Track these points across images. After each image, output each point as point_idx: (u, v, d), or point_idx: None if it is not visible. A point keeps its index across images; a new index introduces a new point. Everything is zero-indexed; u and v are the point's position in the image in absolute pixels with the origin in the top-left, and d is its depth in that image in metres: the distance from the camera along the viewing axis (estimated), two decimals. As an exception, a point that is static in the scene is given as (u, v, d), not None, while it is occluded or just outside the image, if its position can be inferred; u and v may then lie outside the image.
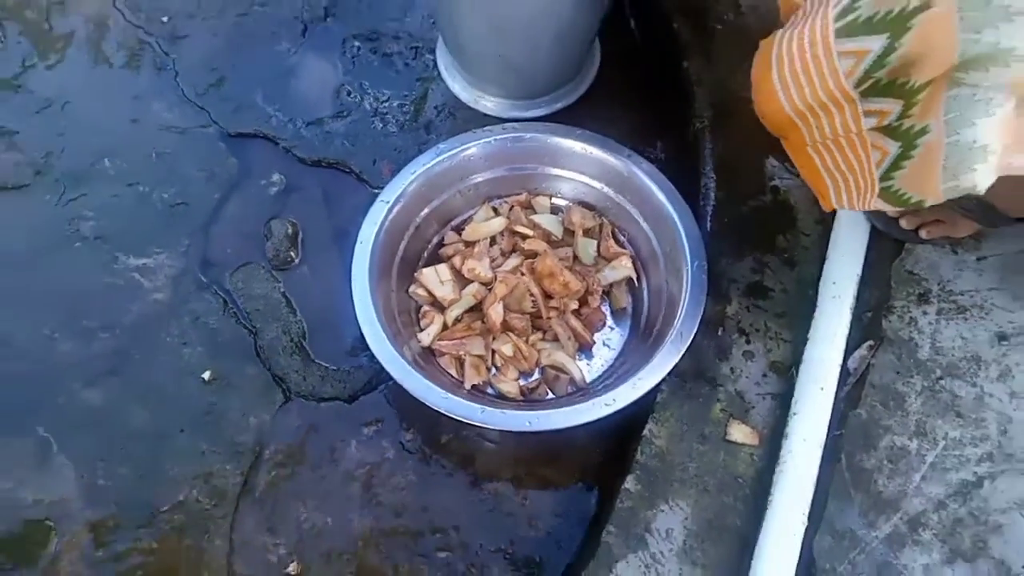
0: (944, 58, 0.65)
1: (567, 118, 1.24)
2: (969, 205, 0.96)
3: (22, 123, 1.29)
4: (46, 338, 1.13)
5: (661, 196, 1.09)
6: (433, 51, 1.36)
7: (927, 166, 0.72)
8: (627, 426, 1.01)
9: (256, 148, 1.28)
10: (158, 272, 1.18)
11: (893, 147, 0.74)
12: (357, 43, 1.38)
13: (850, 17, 0.69)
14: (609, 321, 1.14)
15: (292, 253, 1.20)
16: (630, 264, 1.14)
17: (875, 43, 0.68)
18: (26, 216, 1.22)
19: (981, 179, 0.69)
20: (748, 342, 1.03)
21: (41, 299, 1.15)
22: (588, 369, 1.11)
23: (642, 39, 1.39)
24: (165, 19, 1.40)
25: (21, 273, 1.17)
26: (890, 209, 0.81)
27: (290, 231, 1.21)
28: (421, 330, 1.10)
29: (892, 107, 0.71)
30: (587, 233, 1.16)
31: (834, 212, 1.07)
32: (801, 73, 0.74)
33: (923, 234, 1.02)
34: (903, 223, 1.03)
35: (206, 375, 1.11)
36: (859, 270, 1.03)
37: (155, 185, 1.24)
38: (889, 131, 0.73)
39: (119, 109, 1.31)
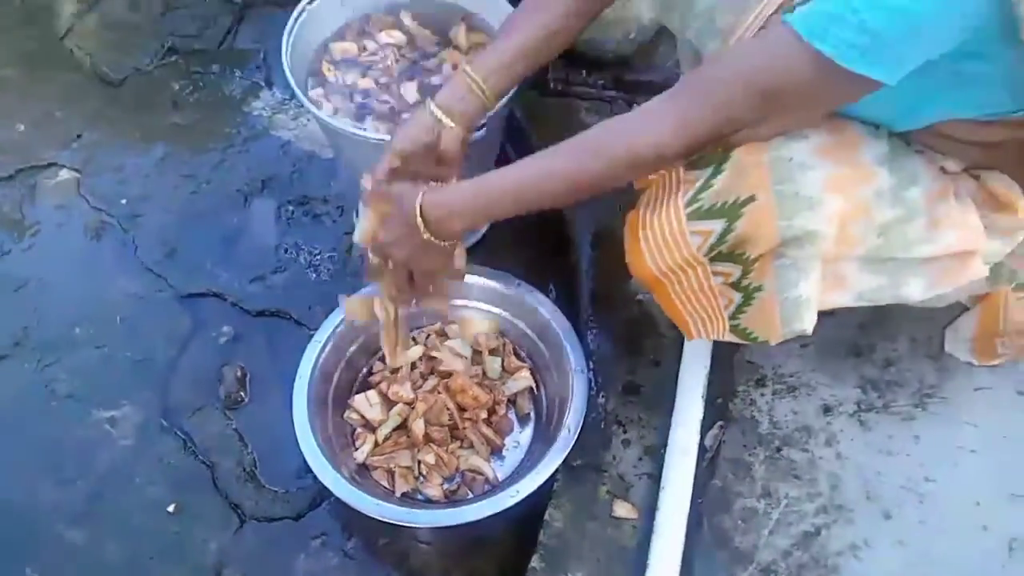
0: (769, 238, 0.88)
1: (469, 258, 1.48)
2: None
3: (4, 301, 1.49)
4: (30, 488, 1.30)
5: (548, 316, 1.33)
6: (355, 209, 1.61)
7: (765, 313, 0.95)
8: (533, 513, 1.20)
9: (207, 305, 1.50)
10: (125, 422, 1.37)
11: (737, 297, 0.97)
12: (291, 207, 1.63)
13: (695, 206, 0.91)
14: (516, 426, 1.35)
15: (242, 393, 1.40)
16: (529, 375, 1.36)
17: (717, 225, 0.90)
18: (8, 382, 1.41)
19: (808, 324, 0.93)
20: (625, 432, 1.24)
21: (25, 453, 1.33)
22: (501, 469, 1.30)
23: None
24: (124, 201, 1.63)
25: (6, 432, 1.35)
26: (740, 341, 1.04)
27: (239, 374, 1.41)
28: (356, 449, 1.29)
29: (734, 270, 0.94)
30: (492, 352, 1.38)
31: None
32: (663, 245, 0.95)
33: (755, 329, 1.26)
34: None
35: (171, 508, 1.28)
36: (707, 364, 1.26)
37: (120, 346, 1.45)
38: (733, 286, 0.96)
39: (87, 283, 1.52)
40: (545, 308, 1.33)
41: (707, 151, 0.89)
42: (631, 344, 1.32)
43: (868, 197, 0.86)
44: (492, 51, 1.09)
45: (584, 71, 1.65)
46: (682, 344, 1.29)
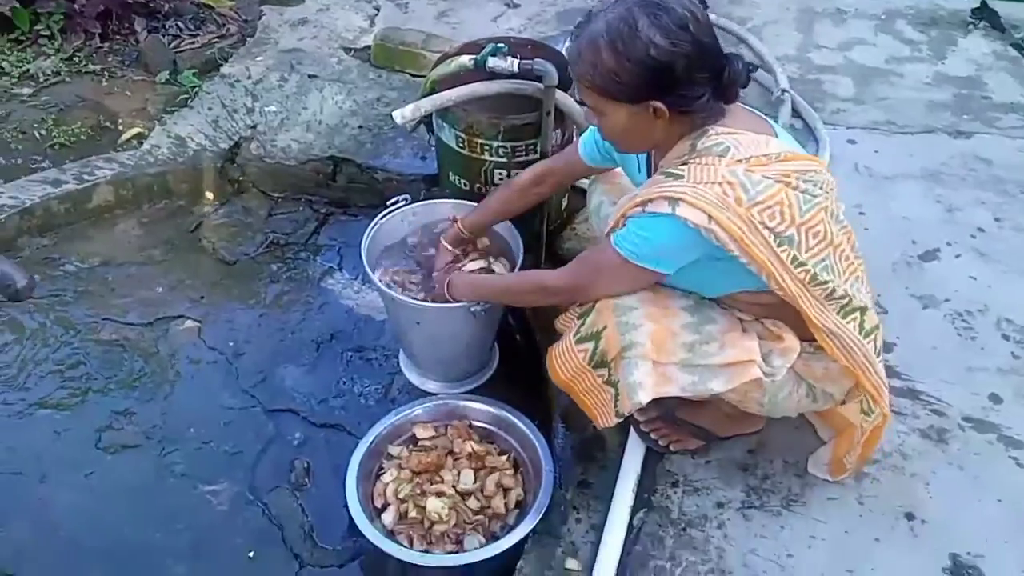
0: (615, 348, 1.49)
1: (478, 392, 2.06)
2: (693, 429, 1.77)
3: (141, 408, 2.08)
4: (151, 536, 1.81)
5: (528, 432, 1.88)
6: (396, 355, 2.22)
7: (623, 396, 1.52)
8: (511, 566, 1.69)
9: (285, 418, 2.07)
10: (222, 494, 1.90)
11: (612, 391, 1.55)
12: (350, 353, 2.24)
13: (578, 335, 1.54)
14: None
15: (306, 480, 1.94)
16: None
17: (590, 345, 1.52)
18: (140, 462, 1.96)
19: (643, 398, 1.48)
20: (578, 513, 1.75)
21: (148, 512, 1.85)
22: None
23: (523, 344, 2.28)
24: (231, 344, 2.26)
25: (135, 497, 1.89)
26: (620, 420, 1.59)
27: (305, 466, 1.96)
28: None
29: (605, 372, 1.54)
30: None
31: (626, 435, 1.85)
32: (565, 360, 1.58)
33: (672, 447, 1.81)
34: (661, 441, 1.81)
35: (251, 554, 1.79)
36: (639, 469, 1.79)
37: (221, 442, 2.01)
38: (607, 383, 1.54)
39: (200, 398, 2.11)
40: (527, 426, 1.89)
41: (580, 303, 1.58)
42: (586, 453, 1.86)
43: (674, 327, 1.47)
44: (475, 214, 1.99)
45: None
46: (623, 455, 1.83)
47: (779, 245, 1.38)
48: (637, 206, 1.43)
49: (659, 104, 1.38)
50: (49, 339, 2.23)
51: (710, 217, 1.35)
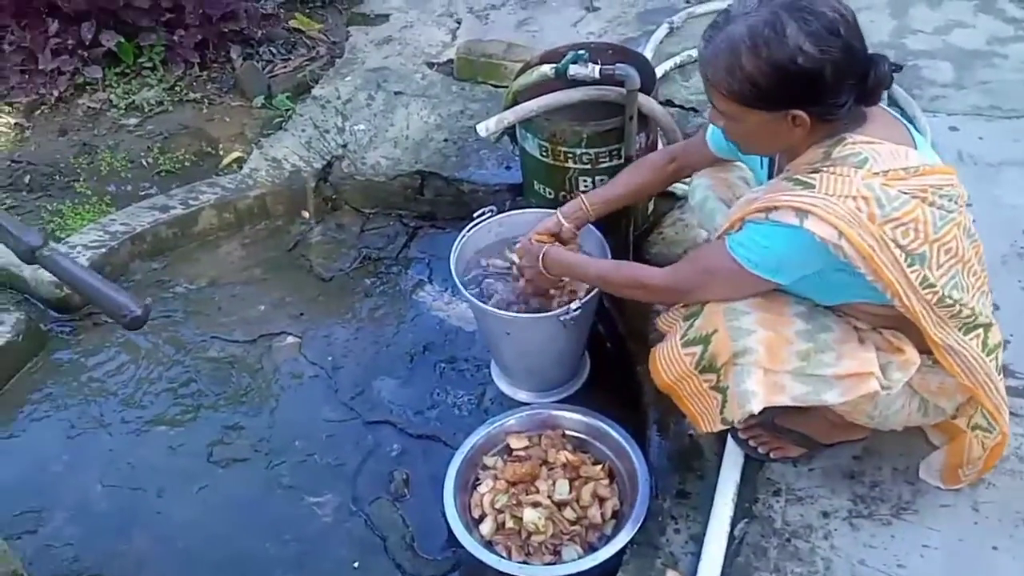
0: (726, 353, 1.45)
1: (569, 401, 2.06)
2: (795, 436, 1.72)
3: (248, 422, 2.17)
4: (260, 546, 1.89)
5: (622, 441, 1.87)
6: (488, 366, 2.24)
7: (731, 404, 1.49)
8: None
9: (383, 429, 2.13)
10: (326, 505, 1.97)
11: (719, 397, 1.51)
12: (443, 364, 2.28)
13: (685, 338, 1.51)
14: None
15: (405, 490, 1.98)
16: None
17: (698, 349, 1.49)
18: (249, 475, 2.05)
19: (755, 407, 1.43)
20: (676, 523, 1.72)
21: (257, 523, 1.94)
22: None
23: (615, 352, 2.26)
24: (330, 358, 2.33)
25: (245, 509, 1.97)
26: (726, 427, 1.56)
27: (404, 477, 2.00)
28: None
29: (713, 377, 1.49)
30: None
31: (723, 444, 1.81)
32: (670, 364, 1.54)
33: (772, 455, 1.76)
34: (760, 449, 1.77)
35: (355, 564, 1.84)
36: (738, 478, 1.75)
37: (324, 454, 2.08)
38: (715, 388, 1.51)
39: (303, 411, 2.19)
40: (622, 437, 1.88)
41: (688, 304, 1.53)
42: (682, 462, 1.83)
43: (788, 334, 1.42)
44: (602, 190, 1.91)
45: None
46: (720, 463, 1.79)
47: (910, 265, 1.31)
48: (759, 211, 1.37)
49: (800, 113, 1.32)
50: (162, 358, 2.36)
51: (840, 233, 1.28)
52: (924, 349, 1.45)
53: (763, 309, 1.45)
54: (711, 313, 1.48)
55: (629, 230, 2.20)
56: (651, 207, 2.34)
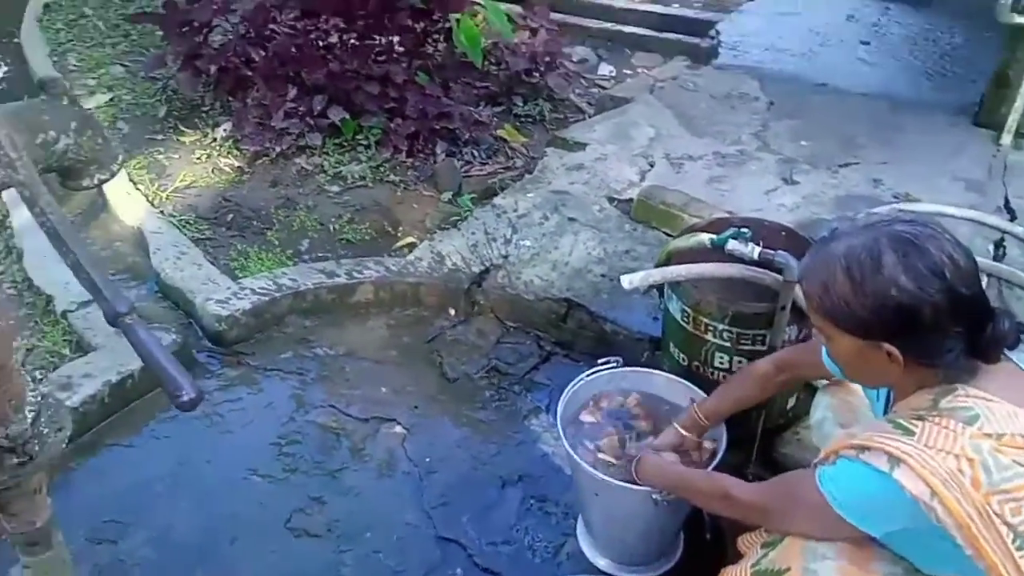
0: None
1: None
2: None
3: (333, 499, 2.21)
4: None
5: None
6: (576, 518, 2.14)
7: None
8: None
9: (452, 548, 2.08)
10: (379, 604, 1.94)
11: None
12: (532, 500, 2.21)
13: (756, 568, 1.39)
14: None
15: (453, 620, 1.91)
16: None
17: None
18: (315, 553, 2.07)
19: None
20: None
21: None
22: None
23: (712, 543, 2.09)
24: (428, 460, 2.34)
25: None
26: None
27: (456, 606, 1.93)
28: None
29: None
30: None
31: None
32: None
33: None
34: None
35: None
36: None
37: (389, 555, 2.06)
38: None
39: (383, 505, 2.19)
40: None
41: (767, 529, 1.41)
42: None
43: None
44: (711, 402, 1.89)
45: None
46: None
47: (1019, 548, 1.14)
48: (853, 448, 1.27)
49: (892, 348, 1.25)
50: (281, 413, 2.47)
51: (933, 492, 1.16)
52: None
53: (848, 559, 1.29)
54: (790, 548, 1.35)
55: (759, 422, 2.06)
56: (792, 403, 2.19)
